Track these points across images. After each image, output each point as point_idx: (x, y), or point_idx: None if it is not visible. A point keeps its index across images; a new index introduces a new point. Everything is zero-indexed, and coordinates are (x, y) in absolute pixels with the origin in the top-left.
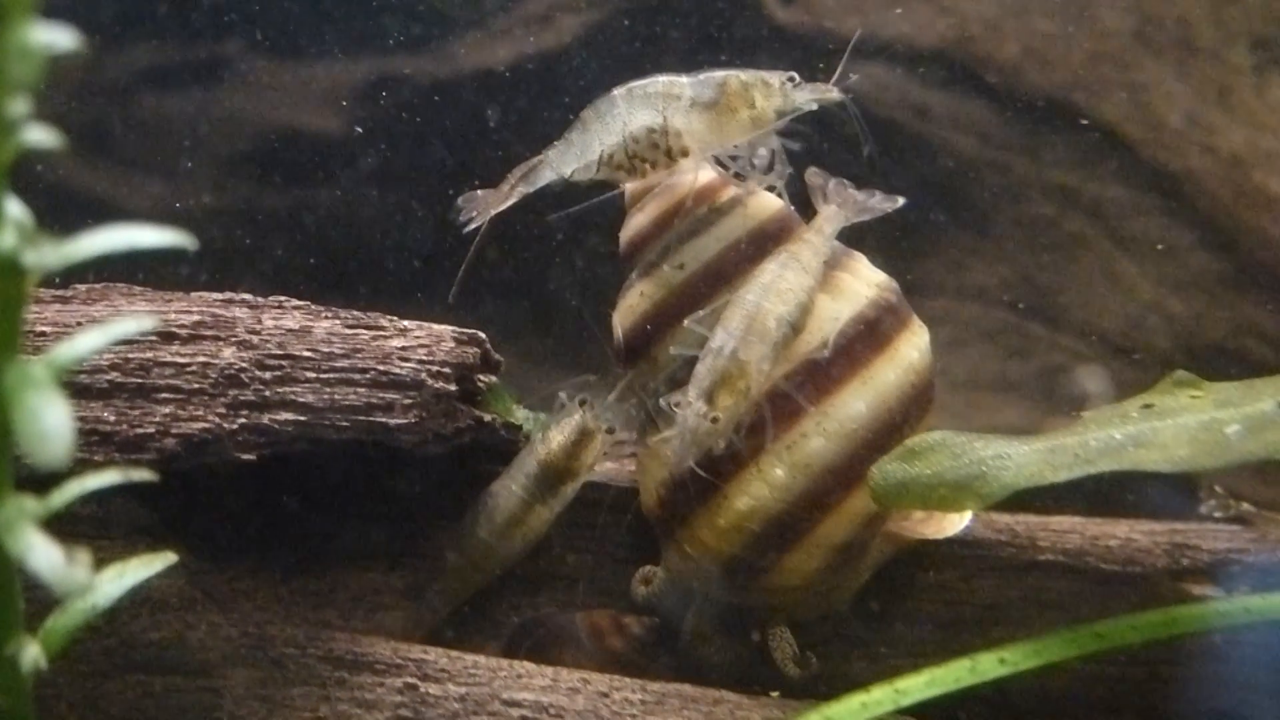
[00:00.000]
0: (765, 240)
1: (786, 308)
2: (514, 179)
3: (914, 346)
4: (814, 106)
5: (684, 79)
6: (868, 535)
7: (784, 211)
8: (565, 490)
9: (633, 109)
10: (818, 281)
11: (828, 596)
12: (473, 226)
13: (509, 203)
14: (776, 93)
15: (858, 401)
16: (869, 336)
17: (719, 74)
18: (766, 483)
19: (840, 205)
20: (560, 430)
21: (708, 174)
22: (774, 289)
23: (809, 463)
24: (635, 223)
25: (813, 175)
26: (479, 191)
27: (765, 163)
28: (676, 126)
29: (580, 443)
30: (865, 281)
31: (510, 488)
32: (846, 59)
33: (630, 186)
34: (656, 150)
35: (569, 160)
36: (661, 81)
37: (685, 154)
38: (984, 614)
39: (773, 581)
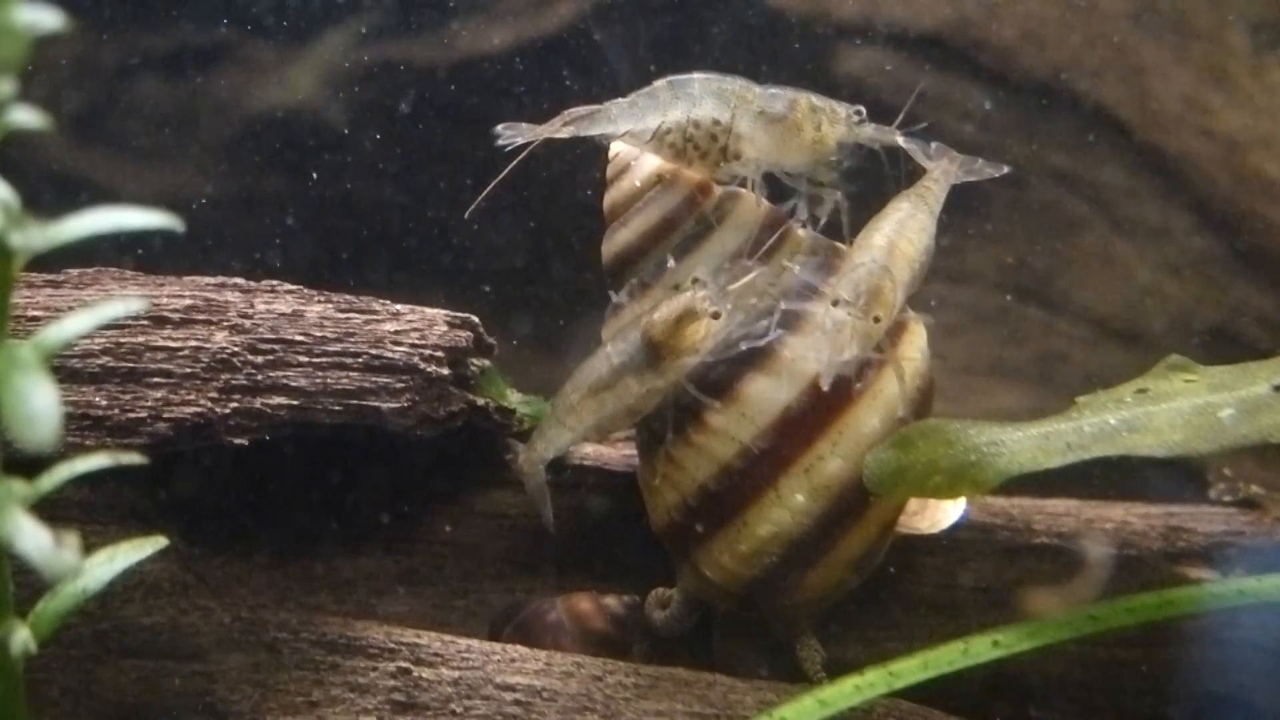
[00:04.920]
0: (760, 249)
1: (915, 249)
2: (567, 117)
3: (916, 348)
4: (876, 145)
5: (757, 87)
6: (884, 542)
7: (775, 215)
8: (663, 368)
9: (706, 96)
10: (934, 231)
11: (839, 596)
12: (513, 146)
13: (556, 134)
14: (842, 123)
15: (871, 417)
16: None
17: (791, 91)
18: (788, 508)
19: (951, 163)
20: (667, 305)
21: (693, 176)
22: (908, 227)
23: (829, 485)
24: (620, 238)
25: (910, 142)
26: (523, 124)
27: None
28: (740, 129)
29: (683, 320)
30: None
31: (607, 352)
32: (911, 104)
33: (610, 197)
34: (713, 143)
35: (628, 119)
36: (739, 82)
37: (738, 157)
38: (979, 597)
39: (794, 598)
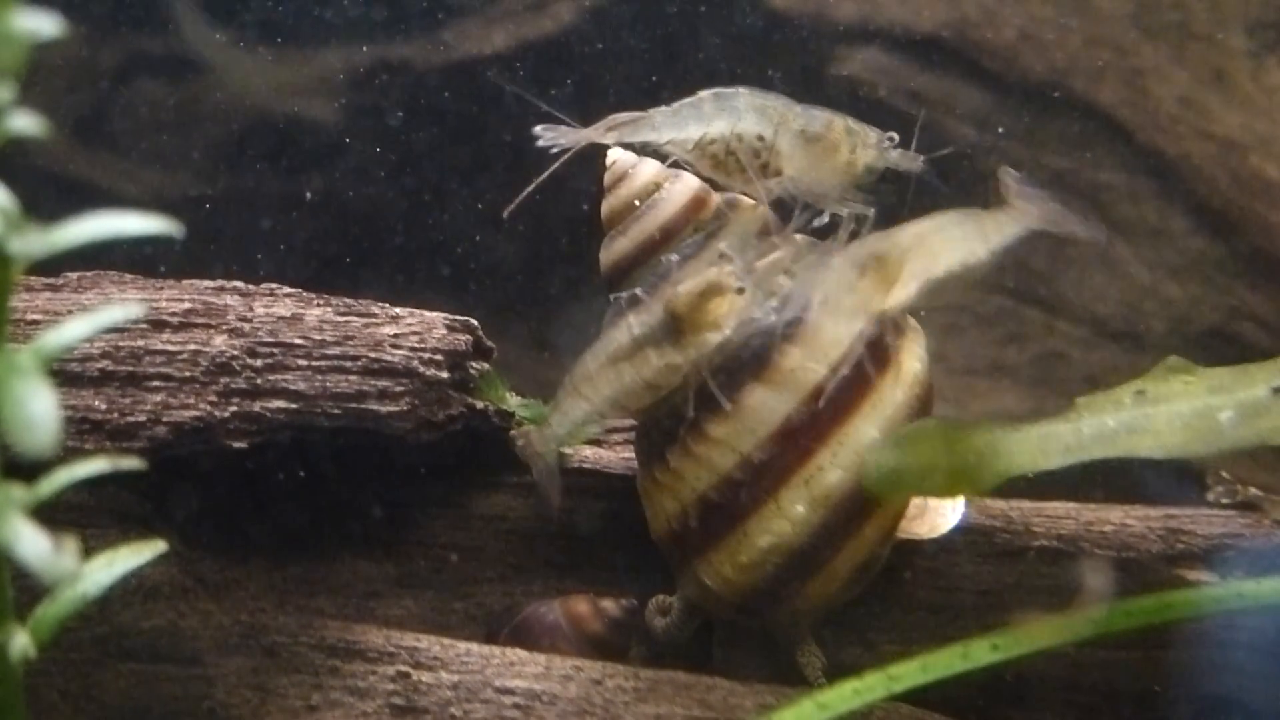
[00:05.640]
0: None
1: (939, 261)
2: (610, 122)
3: (915, 357)
4: (907, 169)
5: (797, 106)
6: (883, 550)
7: (773, 221)
8: (683, 343)
9: (749, 111)
10: (985, 258)
11: (839, 604)
12: (556, 149)
13: (600, 139)
14: (873, 148)
15: (870, 427)
16: (872, 355)
17: (828, 112)
18: (788, 519)
19: (1037, 207)
20: (692, 279)
21: (691, 183)
22: (944, 230)
23: (829, 495)
24: (618, 247)
25: (1006, 174)
26: (562, 126)
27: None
28: (781, 146)
29: (707, 294)
30: None
31: (629, 322)
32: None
33: (607, 205)
34: (755, 158)
35: (671, 128)
36: (780, 100)
37: (778, 173)
38: (979, 600)
39: (796, 606)
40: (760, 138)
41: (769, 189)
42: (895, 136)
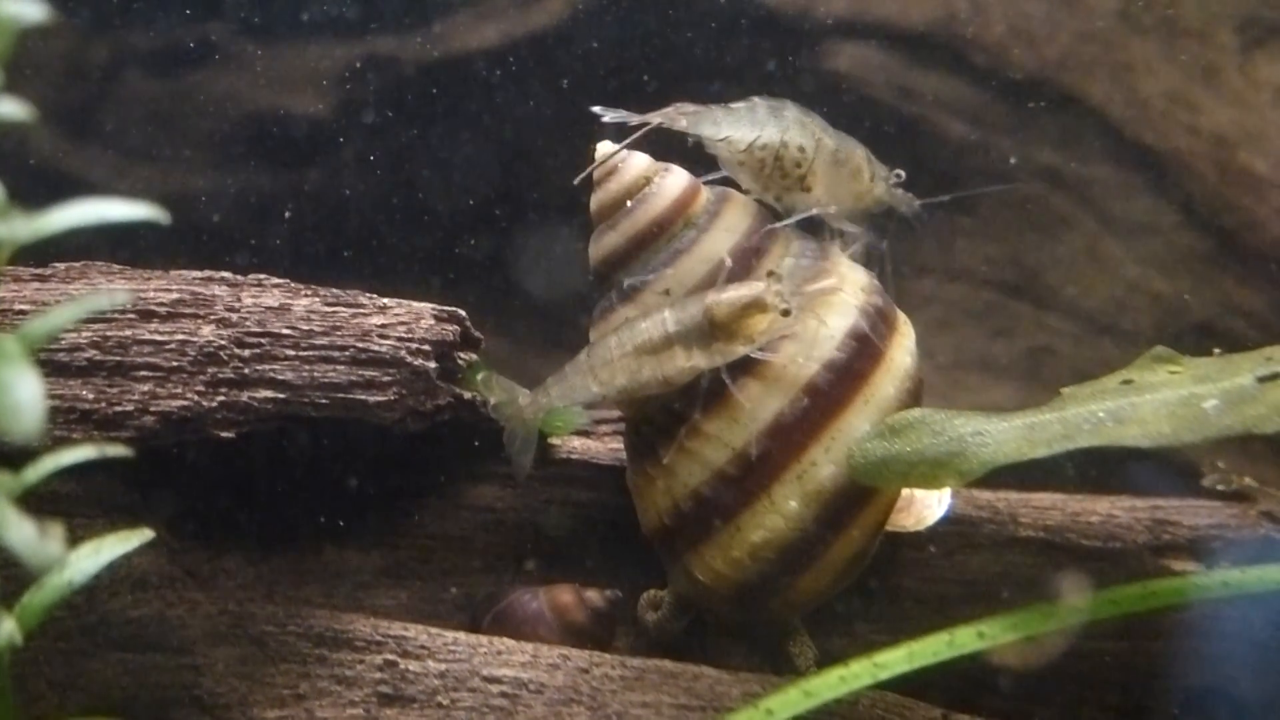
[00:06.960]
0: (749, 255)
1: None
2: (679, 109)
3: (905, 350)
4: (903, 210)
5: (830, 128)
6: (874, 544)
7: (764, 218)
8: (713, 349)
9: (796, 124)
10: None
11: (829, 597)
12: (630, 123)
13: (671, 124)
14: (882, 183)
15: (862, 422)
16: (864, 350)
17: (851, 139)
18: (780, 514)
19: None
20: (737, 289)
21: (681, 178)
22: None
23: (821, 491)
24: (608, 241)
25: None
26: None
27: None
28: (816, 164)
29: (750, 308)
30: (851, 287)
31: (664, 317)
32: None
33: (597, 199)
34: (797, 169)
35: (728, 126)
36: (818, 119)
37: (809, 189)
38: (965, 590)
39: (787, 600)
40: (802, 149)
41: (791, 206)
42: (902, 174)
